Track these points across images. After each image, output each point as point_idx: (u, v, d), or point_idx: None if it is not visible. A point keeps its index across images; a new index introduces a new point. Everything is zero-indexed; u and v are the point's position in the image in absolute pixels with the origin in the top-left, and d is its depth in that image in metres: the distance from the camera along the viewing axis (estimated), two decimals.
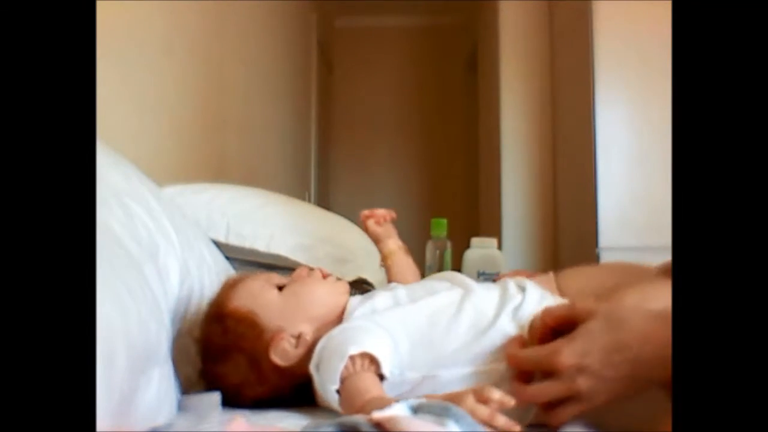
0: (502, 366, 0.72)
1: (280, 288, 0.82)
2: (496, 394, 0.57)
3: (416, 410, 0.51)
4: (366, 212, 0.99)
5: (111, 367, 0.53)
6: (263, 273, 0.87)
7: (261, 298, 0.80)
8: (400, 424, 0.45)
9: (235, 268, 1.20)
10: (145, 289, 0.70)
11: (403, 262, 0.97)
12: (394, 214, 1.02)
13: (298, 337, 0.78)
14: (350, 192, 4.42)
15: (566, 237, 2.76)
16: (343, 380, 0.69)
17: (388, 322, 0.76)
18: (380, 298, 0.83)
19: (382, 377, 0.71)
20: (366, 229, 1.00)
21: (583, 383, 0.59)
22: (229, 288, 0.83)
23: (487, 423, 0.55)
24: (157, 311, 0.72)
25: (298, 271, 0.87)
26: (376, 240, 0.99)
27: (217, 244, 1.20)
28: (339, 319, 0.80)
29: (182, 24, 1.60)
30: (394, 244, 0.98)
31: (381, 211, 1.00)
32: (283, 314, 0.78)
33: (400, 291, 0.84)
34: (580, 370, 0.59)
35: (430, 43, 4.50)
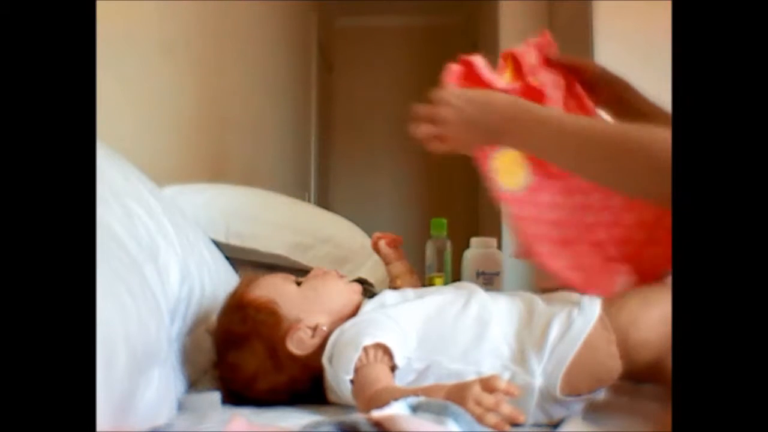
0: (502, 364, 0.74)
1: (298, 284, 0.85)
2: (502, 384, 0.59)
3: (415, 409, 0.51)
4: (378, 234, 1.03)
5: (111, 367, 0.53)
6: (281, 272, 0.90)
7: (281, 289, 0.83)
8: (399, 423, 0.45)
9: (235, 268, 1.21)
10: (145, 289, 0.70)
11: (411, 283, 1.00)
12: (402, 239, 1.06)
13: (315, 328, 0.80)
14: (350, 192, 4.42)
15: None
16: (356, 370, 0.72)
17: (398, 315, 0.79)
18: (389, 295, 0.86)
19: (393, 368, 0.73)
20: (377, 250, 1.03)
21: (447, 112, 0.79)
22: (249, 281, 0.85)
23: (492, 411, 0.57)
24: (157, 311, 0.72)
25: (315, 270, 0.90)
26: (387, 261, 1.03)
27: (217, 244, 1.20)
28: (353, 315, 0.83)
29: (182, 24, 1.60)
30: (403, 266, 1.02)
31: (391, 235, 1.03)
32: (301, 306, 0.81)
33: (408, 291, 0.88)
34: (447, 103, 0.79)
35: (430, 43, 4.49)
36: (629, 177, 0.69)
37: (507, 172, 0.91)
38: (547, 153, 0.76)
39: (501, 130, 0.76)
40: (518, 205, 0.90)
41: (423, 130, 0.81)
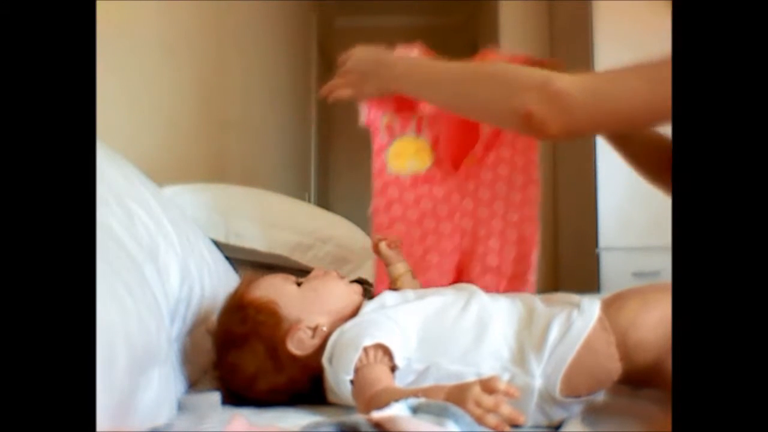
0: (501, 365, 0.74)
1: (298, 284, 0.85)
2: (502, 385, 0.59)
3: (416, 410, 0.51)
4: (378, 235, 1.03)
5: (111, 367, 0.53)
6: (281, 273, 0.90)
7: (281, 290, 0.83)
8: (399, 424, 0.45)
9: (235, 268, 1.21)
10: (145, 289, 0.70)
11: (412, 284, 1.00)
12: (402, 241, 1.05)
13: (315, 328, 0.80)
14: (350, 192, 4.42)
15: (566, 237, 2.76)
16: (356, 371, 0.72)
17: (398, 316, 0.79)
18: (390, 296, 0.86)
19: (393, 369, 0.73)
20: (377, 252, 1.03)
21: (350, 65, 0.96)
22: (249, 282, 0.85)
23: (492, 412, 0.57)
24: (157, 311, 0.72)
25: (315, 271, 0.90)
26: (387, 263, 1.03)
27: (217, 244, 1.20)
28: (353, 316, 0.82)
29: (182, 24, 1.60)
30: (403, 267, 1.02)
31: (392, 236, 1.03)
32: (301, 306, 0.81)
33: (409, 292, 0.88)
34: (350, 56, 0.96)
35: (430, 43, 4.49)
36: (481, 100, 0.82)
37: (402, 156, 1.05)
38: (421, 91, 0.91)
39: (387, 77, 0.92)
40: (396, 187, 1.05)
41: (332, 83, 0.98)
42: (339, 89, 0.97)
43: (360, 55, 0.95)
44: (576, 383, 0.72)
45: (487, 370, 0.73)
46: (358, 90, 0.96)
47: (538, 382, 0.72)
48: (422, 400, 0.53)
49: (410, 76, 0.90)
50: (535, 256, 1.03)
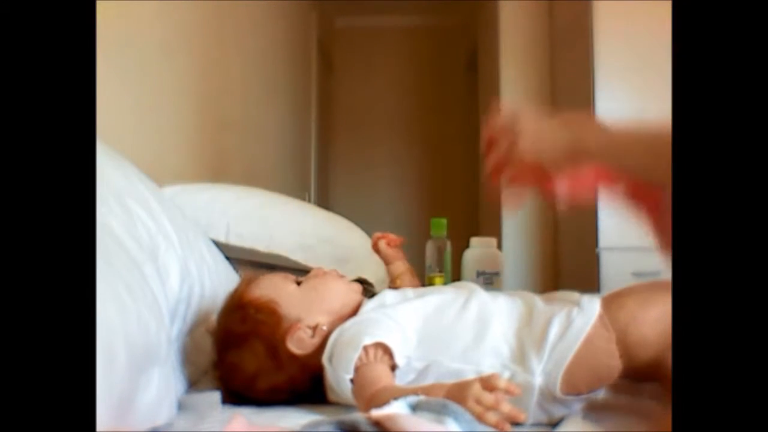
0: (502, 363, 0.74)
1: (298, 284, 0.85)
2: (502, 383, 0.59)
3: (415, 408, 0.51)
4: (378, 234, 1.03)
5: (111, 367, 0.53)
6: (281, 272, 0.90)
7: (281, 289, 0.83)
8: (399, 422, 0.45)
9: (235, 268, 1.21)
10: (145, 289, 0.70)
11: (412, 283, 1.00)
12: (403, 239, 1.05)
13: (315, 327, 0.80)
14: (350, 192, 4.42)
15: (566, 237, 2.76)
16: (356, 369, 0.73)
17: (397, 315, 0.80)
18: (389, 295, 0.87)
19: (393, 367, 0.74)
20: (377, 250, 1.03)
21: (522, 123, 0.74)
22: (249, 281, 0.85)
23: (493, 409, 0.57)
24: (156, 311, 0.72)
25: (315, 270, 0.90)
26: (387, 261, 1.03)
27: (217, 244, 1.20)
28: (353, 315, 0.83)
29: (182, 24, 1.60)
30: (403, 266, 1.02)
31: (392, 235, 1.03)
32: (301, 305, 0.82)
33: (408, 290, 0.89)
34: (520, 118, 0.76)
35: (430, 43, 4.50)
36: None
37: None
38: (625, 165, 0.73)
39: (591, 151, 0.71)
40: None
41: (492, 157, 0.76)
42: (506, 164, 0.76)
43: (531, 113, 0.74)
44: (576, 381, 0.72)
45: (487, 368, 0.73)
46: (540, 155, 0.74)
47: (538, 380, 0.72)
48: (422, 398, 0.53)
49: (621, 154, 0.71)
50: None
